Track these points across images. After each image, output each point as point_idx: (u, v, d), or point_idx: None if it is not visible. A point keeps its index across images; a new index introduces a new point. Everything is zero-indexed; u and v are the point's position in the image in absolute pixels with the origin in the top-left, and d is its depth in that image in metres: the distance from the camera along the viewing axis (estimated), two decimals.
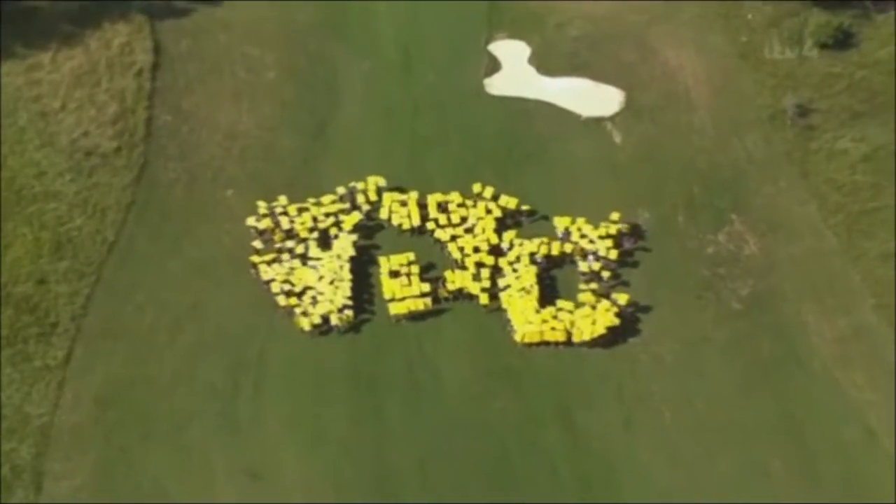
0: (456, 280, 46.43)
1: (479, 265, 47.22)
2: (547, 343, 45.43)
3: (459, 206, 49.15)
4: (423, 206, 49.10)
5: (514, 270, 47.18)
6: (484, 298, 46.08)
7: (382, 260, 47.14)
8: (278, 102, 53.96)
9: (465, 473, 42.27)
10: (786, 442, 43.55)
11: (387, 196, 49.34)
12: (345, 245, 47.62)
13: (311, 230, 48.35)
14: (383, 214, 48.95)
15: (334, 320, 45.28)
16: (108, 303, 46.58)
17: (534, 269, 47.24)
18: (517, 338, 45.55)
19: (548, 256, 47.91)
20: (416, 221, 48.50)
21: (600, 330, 45.32)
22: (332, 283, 46.50)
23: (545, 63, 55.83)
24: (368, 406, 43.81)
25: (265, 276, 46.79)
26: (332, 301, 45.90)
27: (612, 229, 48.31)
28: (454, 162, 52.27)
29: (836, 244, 49.35)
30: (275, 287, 46.48)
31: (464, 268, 47.09)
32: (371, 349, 45.41)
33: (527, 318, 45.49)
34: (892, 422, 43.91)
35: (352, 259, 47.40)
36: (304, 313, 45.61)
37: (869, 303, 47.45)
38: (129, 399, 43.77)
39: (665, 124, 53.46)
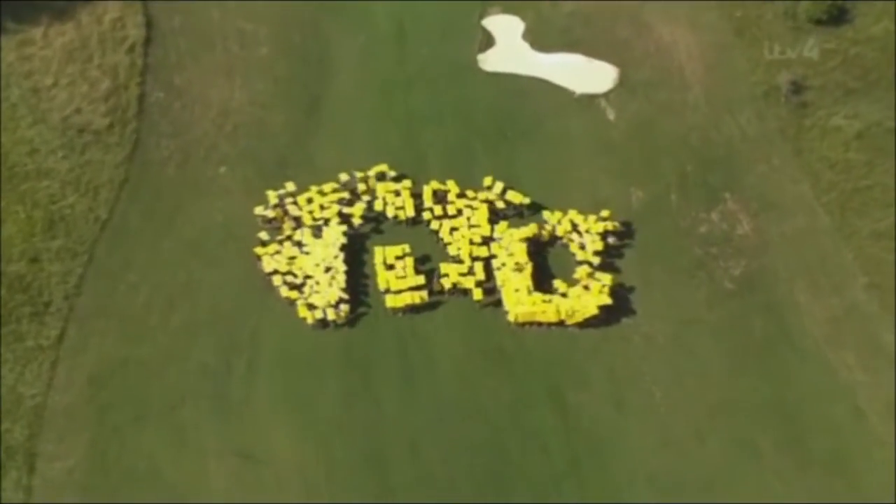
0: (451, 274, 45.69)
1: (473, 258, 46.35)
2: (539, 323, 45.07)
3: (459, 196, 48.21)
4: (417, 196, 48.26)
5: (508, 252, 46.64)
6: (478, 294, 45.44)
7: (377, 251, 46.37)
8: (271, 78, 53.34)
9: (456, 454, 41.99)
10: (776, 422, 43.23)
11: (381, 186, 48.55)
12: (335, 234, 46.93)
13: (318, 220, 47.53)
14: (378, 206, 48.08)
15: (331, 315, 44.66)
16: (100, 282, 46.15)
17: (525, 247, 46.71)
18: (510, 318, 45.17)
19: (536, 239, 47.35)
20: (411, 213, 47.61)
21: (592, 310, 44.93)
22: (327, 272, 45.71)
23: (539, 39, 55.19)
24: (361, 386, 43.45)
25: (268, 268, 45.96)
26: (327, 293, 45.09)
27: (601, 227, 47.46)
28: (448, 138, 51.69)
29: (829, 222, 48.86)
30: (276, 280, 45.61)
31: (459, 261, 46.35)
32: (364, 330, 44.97)
33: (519, 300, 45.07)
34: (881, 402, 43.58)
35: (343, 247, 46.64)
36: (307, 306, 44.88)
37: (861, 282, 46.97)
38: (122, 379, 43.42)
39: (659, 101, 52.82)
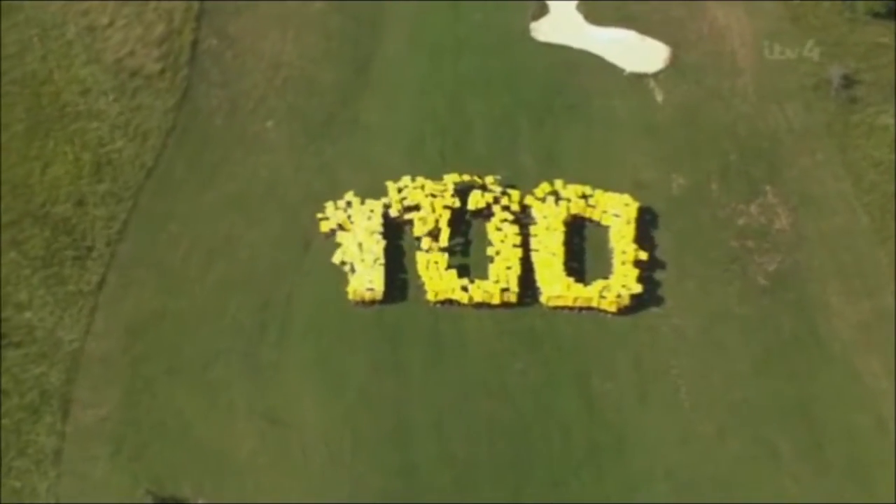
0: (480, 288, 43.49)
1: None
2: (571, 308, 43.45)
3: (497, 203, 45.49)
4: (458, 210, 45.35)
5: (545, 228, 44.81)
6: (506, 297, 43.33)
7: (420, 256, 43.95)
8: (323, 33, 51.24)
9: (479, 433, 40.59)
10: (797, 425, 41.51)
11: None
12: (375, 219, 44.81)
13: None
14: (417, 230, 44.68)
15: (368, 296, 43.02)
16: (143, 230, 44.70)
17: (561, 233, 44.76)
18: (543, 300, 43.56)
19: (577, 219, 45.65)
20: (445, 243, 44.37)
21: (625, 301, 43.30)
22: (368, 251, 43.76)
23: (593, 11, 52.74)
24: (390, 359, 41.95)
25: (338, 259, 43.85)
26: (368, 273, 43.25)
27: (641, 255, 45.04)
28: (493, 108, 49.59)
29: (868, 224, 46.59)
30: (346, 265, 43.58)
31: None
32: (397, 302, 43.36)
33: (553, 283, 43.40)
34: None
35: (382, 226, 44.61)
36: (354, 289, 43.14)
37: (893, 287, 44.91)
38: (157, 331, 42.13)
39: (708, 86, 50.34)
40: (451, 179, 45.76)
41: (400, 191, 45.42)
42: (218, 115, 48.33)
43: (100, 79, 48.59)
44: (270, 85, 49.45)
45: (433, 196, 45.24)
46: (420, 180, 45.62)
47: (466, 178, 45.84)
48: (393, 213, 44.95)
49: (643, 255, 44.51)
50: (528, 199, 45.72)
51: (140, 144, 47.06)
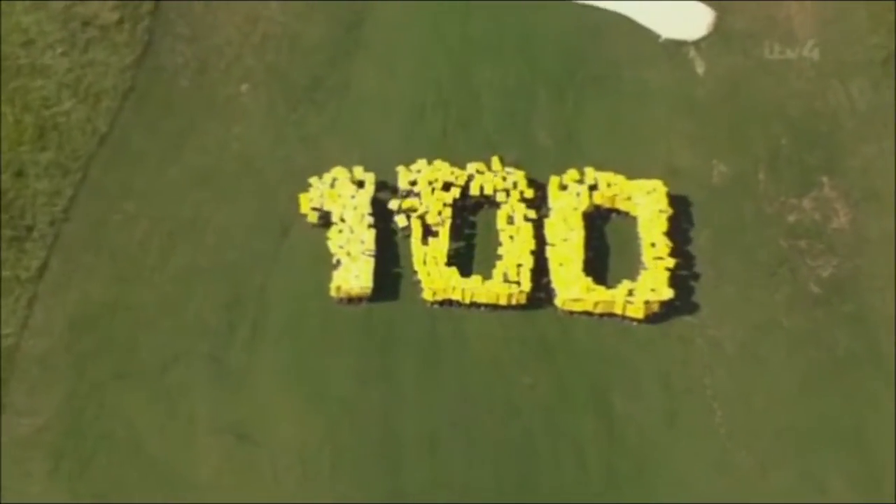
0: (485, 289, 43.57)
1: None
2: (590, 314, 43.67)
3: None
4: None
5: (562, 221, 44.96)
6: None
7: (416, 249, 44.01)
8: None
9: (480, 455, 40.81)
10: (850, 456, 41.79)
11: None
12: (363, 200, 44.79)
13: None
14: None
15: (355, 291, 43.16)
16: (93, 208, 44.85)
17: (581, 225, 44.87)
18: (558, 303, 43.77)
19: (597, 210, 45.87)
20: (446, 234, 44.36)
21: (654, 308, 43.50)
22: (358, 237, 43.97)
23: None
24: (379, 363, 42.11)
25: (334, 248, 43.84)
26: (356, 265, 43.39)
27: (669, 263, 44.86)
28: (506, 78, 49.68)
29: None
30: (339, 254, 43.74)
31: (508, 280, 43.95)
32: (389, 300, 43.57)
33: (570, 285, 43.59)
34: None
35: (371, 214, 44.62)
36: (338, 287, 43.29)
37: None
38: (107, 327, 42.18)
39: (758, 57, 50.56)
40: (475, 168, 45.82)
41: (418, 172, 45.46)
42: (184, 75, 48.42)
43: (46, 28, 48.66)
44: (247, 42, 49.55)
45: (446, 187, 45.30)
46: (438, 163, 45.71)
47: (495, 169, 45.89)
48: (392, 203, 45.03)
49: (671, 262, 44.47)
50: (549, 185, 45.81)
51: (92, 107, 47.14)
